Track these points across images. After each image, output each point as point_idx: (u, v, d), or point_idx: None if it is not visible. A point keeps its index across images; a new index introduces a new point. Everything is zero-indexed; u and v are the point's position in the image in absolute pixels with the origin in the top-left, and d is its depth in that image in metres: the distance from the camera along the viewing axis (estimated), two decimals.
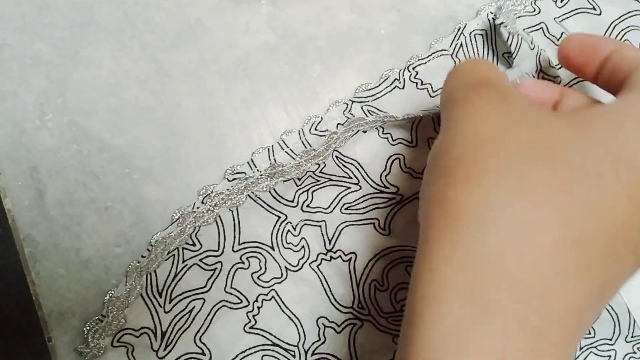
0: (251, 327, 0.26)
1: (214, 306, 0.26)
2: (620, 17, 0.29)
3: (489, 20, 0.29)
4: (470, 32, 0.29)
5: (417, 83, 0.28)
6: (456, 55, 0.29)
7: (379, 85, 0.29)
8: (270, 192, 0.27)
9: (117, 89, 0.27)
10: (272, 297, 0.27)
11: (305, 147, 0.27)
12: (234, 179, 0.27)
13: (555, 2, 0.29)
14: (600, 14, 0.29)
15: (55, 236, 0.26)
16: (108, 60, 0.27)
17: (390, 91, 0.28)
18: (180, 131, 0.27)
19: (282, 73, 0.29)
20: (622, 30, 0.29)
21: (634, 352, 0.28)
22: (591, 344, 0.28)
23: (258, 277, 0.27)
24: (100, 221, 0.26)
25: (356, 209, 0.27)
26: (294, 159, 0.27)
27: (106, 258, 0.26)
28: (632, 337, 0.28)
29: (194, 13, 0.28)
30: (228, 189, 0.26)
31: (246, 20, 0.28)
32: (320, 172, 0.27)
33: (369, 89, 0.28)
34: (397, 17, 0.30)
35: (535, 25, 0.29)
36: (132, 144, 0.27)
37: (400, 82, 0.28)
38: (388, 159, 0.28)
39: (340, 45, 0.29)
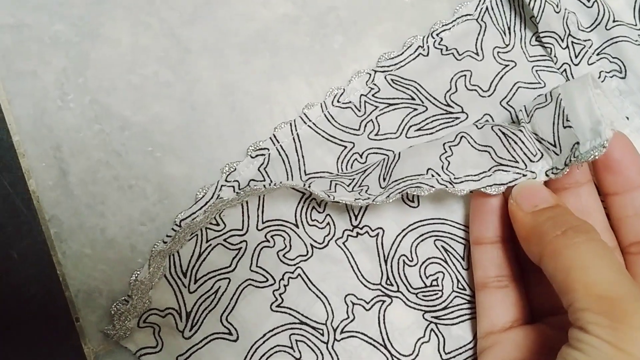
0: (278, 306, 0.26)
1: (239, 285, 0.26)
2: None
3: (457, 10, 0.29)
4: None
5: (441, 49, 0.28)
6: (482, 19, 0.28)
7: (402, 53, 0.28)
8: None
9: (137, 66, 0.27)
10: (299, 274, 0.26)
11: (328, 120, 0.27)
12: (256, 155, 0.26)
13: None
14: None
15: (79, 215, 0.26)
16: (126, 37, 0.27)
17: (414, 59, 0.28)
18: (200, 106, 0.27)
19: (303, 44, 0.28)
20: None
21: None
22: None
23: (283, 255, 0.26)
24: (124, 199, 0.26)
25: (425, 130, 0.27)
26: (317, 133, 0.26)
27: (131, 236, 0.26)
28: None
29: None
30: (248, 167, 0.26)
31: None
32: (374, 95, 0.27)
33: (392, 58, 0.28)
34: None
35: None
36: (153, 121, 0.27)
37: (424, 49, 0.28)
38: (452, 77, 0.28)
39: (362, 15, 0.29)
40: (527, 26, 0.29)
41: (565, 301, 0.20)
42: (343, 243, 0.27)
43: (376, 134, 0.27)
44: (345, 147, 0.27)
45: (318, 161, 0.27)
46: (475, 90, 0.28)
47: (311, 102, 0.28)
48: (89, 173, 0.26)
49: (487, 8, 0.28)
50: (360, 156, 0.27)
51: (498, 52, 0.28)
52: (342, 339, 0.26)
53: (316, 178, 0.26)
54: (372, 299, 0.26)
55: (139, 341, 0.25)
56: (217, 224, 0.26)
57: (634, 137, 0.27)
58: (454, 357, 0.26)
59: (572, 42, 0.28)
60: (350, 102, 0.27)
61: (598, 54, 0.28)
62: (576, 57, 0.28)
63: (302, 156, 0.27)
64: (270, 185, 0.25)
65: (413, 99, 0.27)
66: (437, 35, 0.28)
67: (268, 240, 0.26)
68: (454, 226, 0.27)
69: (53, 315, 0.26)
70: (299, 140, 0.27)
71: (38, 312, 0.26)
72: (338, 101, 0.27)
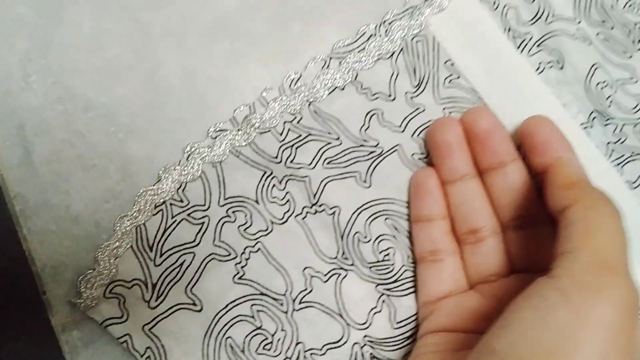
0: (240, 278, 0.28)
1: (203, 259, 0.27)
2: None
3: None
4: None
5: (357, 87, 0.29)
6: (396, 63, 0.30)
7: (356, 40, 0.29)
8: (251, 146, 0.28)
9: (99, 49, 0.28)
10: (259, 249, 0.28)
11: (285, 103, 0.28)
12: (216, 137, 0.28)
13: None
14: None
15: (44, 193, 0.27)
16: (89, 21, 0.28)
17: (367, 45, 0.29)
18: (162, 89, 0.28)
19: (262, 31, 0.29)
20: None
21: None
22: None
23: (245, 230, 0.28)
24: (88, 178, 0.27)
25: (338, 163, 0.28)
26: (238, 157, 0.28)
27: (95, 213, 0.27)
28: None
29: None
30: (209, 146, 0.28)
31: None
32: (298, 122, 0.28)
33: (347, 45, 0.29)
34: None
35: None
36: (116, 102, 0.28)
37: (376, 37, 0.29)
38: (367, 114, 0.29)
39: (319, 4, 0.30)
40: (438, 70, 0.30)
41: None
42: (302, 219, 0.28)
43: (291, 162, 0.28)
44: (265, 172, 0.28)
45: (238, 185, 0.28)
46: (387, 126, 0.29)
47: (269, 86, 0.29)
48: (53, 152, 0.27)
49: (401, 50, 0.30)
50: (280, 182, 0.28)
51: (411, 97, 0.30)
52: (300, 308, 0.28)
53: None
54: (329, 272, 0.28)
55: (104, 312, 0.27)
56: (181, 200, 0.27)
57: (571, 125, 0.29)
58: (403, 325, 0.28)
59: (513, 35, 0.29)
60: (273, 126, 0.28)
61: (538, 46, 0.30)
62: (517, 48, 0.30)
63: (223, 179, 0.28)
64: None
65: (330, 133, 0.29)
66: (389, 24, 0.30)
67: (229, 216, 0.28)
68: (402, 205, 0.29)
69: (20, 289, 0.27)
70: (220, 165, 0.28)
71: (5, 286, 0.27)
72: (295, 85, 0.29)
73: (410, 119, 0.29)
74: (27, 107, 0.27)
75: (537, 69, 0.30)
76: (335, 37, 0.30)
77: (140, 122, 0.28)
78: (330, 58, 0.29)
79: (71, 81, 0.28)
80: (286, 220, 0.28)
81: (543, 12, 0.30)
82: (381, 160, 0.29)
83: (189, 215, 0.27)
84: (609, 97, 0.30)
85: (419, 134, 0.29)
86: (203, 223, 0.28)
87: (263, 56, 0.29)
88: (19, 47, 0.27)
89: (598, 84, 0.30)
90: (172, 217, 0.27)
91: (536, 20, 0.30)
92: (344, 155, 0.29)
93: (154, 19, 0.29)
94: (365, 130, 0.29)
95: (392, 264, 0.28)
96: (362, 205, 0.29)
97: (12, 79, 0.27)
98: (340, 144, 0.29)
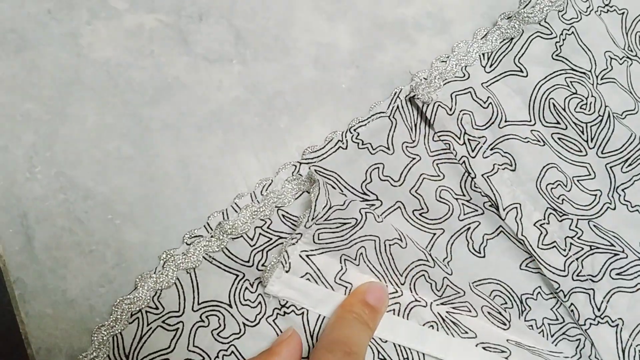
0: None
1: None
2: (546, 77, 0.34)
3: (398, 97, 0.34)
4: (406, 96, 0.33)
5: (358, 143, 0.32)
6: (393, 117, 0.33)
7: (324, 146, 0.32)
8: (223, 251, 0.30)
9: (101, 142, 0.31)
10: (232, 352, 0.30)
11: (255, 209, 0.31)
12: (191, 243, 0.30)
13: (484, 67, 0.34)
14: (527, 75, 0.34)
15: (43, 278, 0.30)
16: (92, 116, 0.31)
17: (334, 151, 0.32)
18: (159, 178, 0.31)
19: (253, 124, 0.33)
20: (548, 89, 0.34)
21: None
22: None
23: (218, 334, 0.30)
24: (84, 263, 0.30)
25: None
26: (210, 262, 0.31)
27: (90, 297, 0.30)
28: None
29: (171, 72, 0.32)
30: (184, 253, 0.30)
31: (219, 78, 0.33)
32: (268, 227, 0.31)
33: (315, 151, 0.32)
34: (357, 73, 0.34)
35: (464, 89, 0.33)
36: (115, 192, 0.31)
37: (343, 143, 0.32)
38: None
39: (305, 99, 0.34)
40: (429, 125, 0.33)
41: None
42: (273, 320, 0.30)
43: (263, 265, 0.31)
44: (237, 276, 0.31)
45: (211, 290, 0.30)
46: (388, 180, 0.32)
47: (242, 193, 0.32)
48: (53, 239, 0.30)
49: (397, 107, 0.33)
50: (251, 285, 0.30)
51: (406, 147, 0.33)
52: None
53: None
54: None
55: None
56: (156, 307, 0.30)
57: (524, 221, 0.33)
58: None
59: (468, 139, 0.33)
60: (245, 232, 0.31)
61: (491, 149, 0.33)
62: (472, 150, 0.33)
63: (197, 285, 0.30)
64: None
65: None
66: (355, 130, 0.33)
67: (203, 320, 0.30)
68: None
69: None
70: (194, 271, 0.30)
71: None
72: (266, 190, 0.32)
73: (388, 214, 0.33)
74: (31, 196, 0.30)
75: (492, 170, 0.33)
76: (320, 130, 0.33)
77: (137, 210, 0.31)
78: (300, 163, 0.32)
79: (73, 172, 0.30)
80: (258, 322, 0.30)
81: (496, 117, 0.33)
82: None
83: (163, 322, 0.29)
84: (561, 195, 0.33)
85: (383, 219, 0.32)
86: (177, 329, 0.30)
87: (253, 146, 0.33)
88: (25, 141, 0.30)
89: (549, 183, 0.33)
90: (148, 325, 0.29)
91: (489, 125, 0.33)
92: None
93: (152, 113, 0.32)
94: (367, 185, 0.32)
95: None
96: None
97: (18, 170, 0.30)
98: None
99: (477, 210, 0.33)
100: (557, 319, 0.33)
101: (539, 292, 0.33)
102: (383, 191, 0.32)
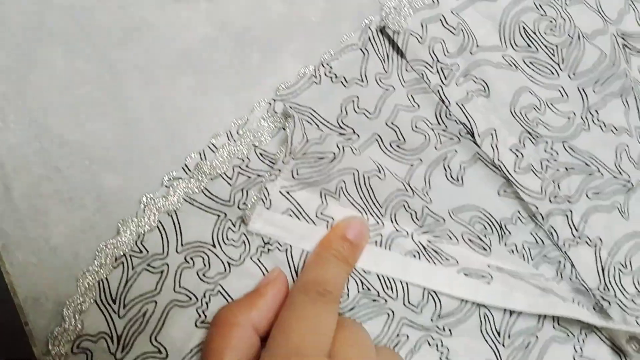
0: (202, 322, 0.30)
1: (165, 307, 0.30)
2: (515, 1, 0.34)
3: (369, 28, 0.34)
4: (377, 27, 0.34)
5: (331, 77, 0.33)
6: (365, 49, 0.33)
7: (298, 82, 0.33)
8: (203, 192, 0.31)
9: (72, 87, 0.31)
10: (218, 291, 0.30)
11: (232, 149, 0.31)
12: (170, 186, 0.31)
13: None
14: (496, 0, 0.34)
15: (24, 227, 0.30)
16: (61, 61, 0.31)
17: (308, 87, 0.33)
18: (133, 122, 0.32)
19: (224, 62, 0.33)
20: (517, 12, 0.34)
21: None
22: None
23: (203, 275, 0.30)
24: (65, 211, 0.30)
25: None
26: (191, 204, 0.31)
27: (73, 244, 0.30)
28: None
29: (138, 12, 0.32)
30: (164, 196, 0.31)
31: (186, 16, 0.33)
32: (246, 166, 0.31)
33: (289, 87, 0.33)
34: (326, 5, 0.34)
35: (434, 16, 0.34)
36: (90, 137, 0.31)
37: (316, 78, 0.33)
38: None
39: (275, 34, 0.34)
40: (402, 55, 0.34)
41: None
42: (258, 259, 0.31)
43: (244, 203, 0.31)
44: (219, 216, 0.31)
45: (194, 231, 0.31)
46: (363, 113, 0.33)
47: (218, 132, 0.32)
48: (32, 187, 0.30)
49: (369, 38, 0.34)
50: (234, 225, 0.31)
51: (380, 78, 0.33)
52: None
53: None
54: None
55: None
56: (140, 251, 0.30)
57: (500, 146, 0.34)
58: None
59: (441, 67, 0.34)
60: (223, 172, 0.31)
61: (465, 76, 0.34)
62: (445, 79, 0.34)
63: (180, 227, 0.31)
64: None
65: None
66: (327, 64, 0.33)
67: (188, 262, 0.30)
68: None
69: (3, 320, 0.30)
70: (175, 213, 0.31)
71: None
72: (242, 130, 0.32)
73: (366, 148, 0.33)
74: (6, 145, 0.30)
75: (466, 97, 0.34)
76: (292, 65, 0.34)
77: (113, 155, 0.31)
78: (275, 100, 0.33)
79: (47, 119, 0.31)
80: (243, 261, 0.31)
81: (468, 44, 0.34)
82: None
83: (148, 265, 0.30)
84: (535, 118, 0.34)
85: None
86: (163, 271, 0.30)
87: (226, 86, 0.33)
88: None
89: (523, 107, 0.34)
90: (133, 269, 0.30)
91: (462, 52, 0.34)
92: None
93: (122, 56, 0.32)
94: (342, 119, 0.33)
95: (347, 293, 0.31)
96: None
97: None
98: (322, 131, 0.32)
99: (453, 139, 0.34)
100: (537, 242, 0.34)
101: (518, 217, 0.34)
102: (359, 124, 0.33)
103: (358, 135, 0.33)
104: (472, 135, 0.33)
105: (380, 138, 0.33)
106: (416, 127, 0.33)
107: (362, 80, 0.33)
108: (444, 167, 0.34)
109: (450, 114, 0.34)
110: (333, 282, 0.30)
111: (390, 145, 0.33)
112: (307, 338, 0.27)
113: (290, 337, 0.27)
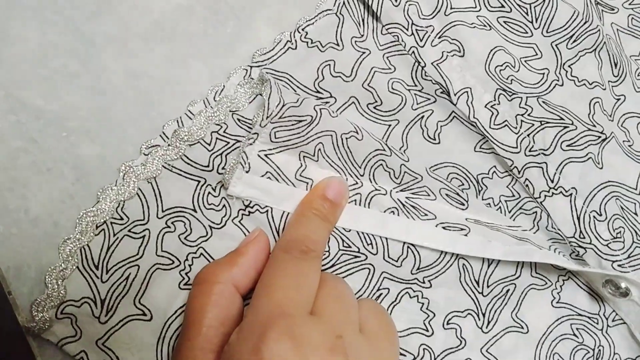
0: (185, 284, 0.31)
1: (148, 270, 0.30)
2: None
3: None
4: None
5: (307, 42, 0.33)
6: (340, 13, 0.34)
7: (274, 48, 0.33)
8: (182, 158, 0.31)
9: (46, 60, 0.32)
10: (201, 254, 0.31)
11: (209, 114, 0.32)
12: (149, 153, 0.31)
13: None
14: None
15: (3, 199, 0.30)
16: (35, 35, 0.32)
17: (284, 53, 0.33)
18: (109, 92, 0.32)
19: (198, 31, 0.34)
20: None
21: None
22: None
23: (185, 238, 0.31)
24: (43, 181, 0.31)
25: None
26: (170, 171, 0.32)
27: (53, 214, 0.31)
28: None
29: None
30: (143, 163, 0.31)
31: None
32: (224, 132, 0.32)
33: (265, 53, 0.33)
34: None
35: None
36: (66, 108, 0.31)
37: (292, 44, 0.33)
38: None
39: (249, 1, 0.34)
40: (377, 18, 0.34)
41: None
42: (239, 221, 0.32)
43: (223, 168, 0.32)
44: (199, 182, 0.32)
45: (174, 197, 0.31)
46: (340, 76, 0.34)
47: (195, 100, 0.33)
48: (9, 160, 0.31)
49: (344, 2, 0.34)
50: (214, 189, 0.32)
51: (355, 42, 0.34)
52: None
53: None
54: None
55: (58, 332, 0.30)
56: (121, 218, 0.31)
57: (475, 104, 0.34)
58: None
59: (416, 29, 0.34)
60: (201, 137, 0.32)
61: (440, 37, 0.35)
62: (421, 40, 0.34)
63: (159, 193, 0.31)
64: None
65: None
66: (303, 30, 0.33)
67: (169, 227, 0.31)
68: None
69: None
70: (155, 180, 0.31)
71: None
72: (219, 96, 0.32)
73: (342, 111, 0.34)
74: None
75: (441, 58, 0.34)
76: (267, 32, 0.34)
77: (90, 125, 0.32)
78: (251, 67, 0.33)
79: (22, 92, 0.31)
80: (224, 224, 0.32)
81: (442, 6, 0.35)
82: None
83: (129, 230, 0.31)
84: (509, 76, 0.35)
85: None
86: (144, 236, 0.31)
87: (201, 54, 0.33)
88: None
89: (497, 65, 0.35)
90: (114, 235, 0.30)
91: (436, 14, 0.35)
92: None
93: (95, 27, 0.32)
94: (320, 82, 0.33)
95: (328, 250, 0.32)
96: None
97: None
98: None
99: (429, 99, 0.34)
100: (513, 195, 0.35)
101: (494, 171, 0.35)
102: (336, 87, 0.34)
103: (335, 99, 0.34)
104: (448, 94, 0.34)
105: (358, 100, 0.34)
106: (392, 88, 0.34)
107: (338, 44, 0.34)
108: (421, 126, 0.34)
109: (426, 75, 0.34)
110: (315, 239, 0.30)
111: (367, 107, 0.34)
112: (290, 296, 0.27)
113: (274, 295, 0.28)
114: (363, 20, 0.34)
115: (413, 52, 0.34)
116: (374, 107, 0.34)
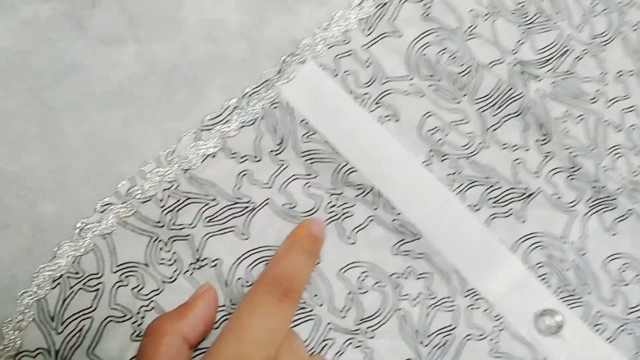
0: (137, 336, 0.32)
1: (101, 322, 0.32)
2: (418, 37, 0.39)
3: (284, 60, 0.38)
4: (292, 61, 0.38)
5: (226, 152, 0.36)
6: (259, 127, 0.37)
7: (222, 113, 0.37)
8: (135, 215, 0.34)
9: (8, 125, 0.34)
10: (153, 307, 0.33)
11: (162, 173, 0.35)
12: (103, 211, 0.34)
13: (363, 31, 0.39)
14: (401, 36, 0.39)
15: None
16: None
17: (231, 117, 0.37)
18: (67, 154, 0.35)
19: (152, 98, 0.37)
20: (421, 47, 0.39)
21: None
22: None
23: (138, 292, 0.33)
24: (2, 238, 0.33)
25: (217, 221, 0.35)
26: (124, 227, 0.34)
27: (12, 268, 0.33)
28: None
29: (70, 56, 0.36)
30: (98, 220, 0.34)
31: (116, 58, 0.36)
32: (176, 189, 0.35)
33: (214, 118, 0.36)
34: (247, 45, 0.38)
35: (347, 52, 0.38)
36: (26, 169, 0.34)
37: (240, 109, 0.37)
38: (238, 175, 0.36)
39: (201, 72, 0.38)
40: (296, 129, 0.37)
41: None
42: (190, 275, 0.34)
43: (174, 224, 0.34)
44: (151, 237, 0.34)
45: (128, 252, 0.34)
46: (256, 184, 0.36)
47: (147, 160, 0.35)
48: None
49: (262, 116, 0.37)
50: (166, 244, 0.34)
51: (274, 153, 0.37)
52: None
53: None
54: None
55: None
56: (77, 272, 0.33)
57: (413, 163, 0.37)
58: None
59: (354, 96, 0.38)
60: (154, 195, 0.34)
61: (376, 104, 0.38)
62: (359, 106, 0.38)
63: (114, 248, 0.34)
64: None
65: (206, 195, 0.35)
66: (250, 96, 0.37)
67: (122, 281, 0.33)
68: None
69: None
70: (110, 236, 0.34)
71: None
72: (170, 156, 0.35)
73: (277, 175, 0.37)
74: None
75: (378, 122, 0.38)
76: (218, 98, 0.37)
77: (49, 185, 0.34)
78: (202, 130, 0.36)
79: None
80: (176, 279, 0.34)
81: (378, 75, 0.38)
82: (255, 214, 0.36)
83: (84, 284, 0.33)
84: (440, 139, 0.38)
85: (286, 187, 0.36)
86: (98, 289, 0.33)
87: (155, 119, 0.36)
88: None
89: (429, 129, 0.38)
90: (70, 289, 0.33)
91: (372, 82, 0.38)
92: (222, 213, 0.35)
93: (56, 95, 0.35)
94: (238, 189, 0.36)
95: None
96: (242, 255, 0.35)
97: None
98: (217, 203, 0.35)
99: (347, 203, 0.37)
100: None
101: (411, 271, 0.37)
102: (255, 193, 0.36)
103: (255, 203, 0.36)
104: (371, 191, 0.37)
105: (273, 201, 0.36)
106: (309, 192, 0.37)
107: (256, 157, 0.36)
108: (337, 227, 0.37)
109: (348, 182, 0.37)
110: (300, 278, 0.33)
111: (283, 207, 0.36)
112: (258, 346, 0.29)
113: (245, 337, 0.30)
114: (283, 137, 0.37)
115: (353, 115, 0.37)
116: (290, 207, 0.36)
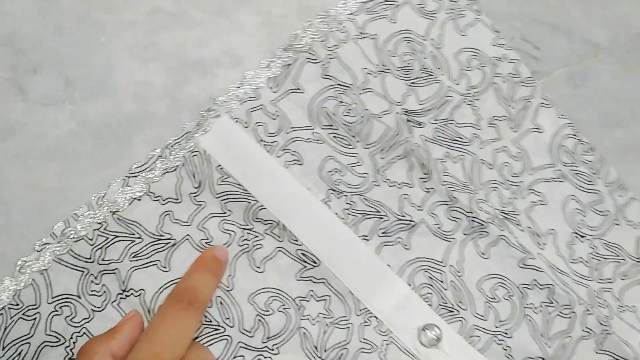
0: (70, 358, 0.37)
1: (38, 347, 0.37)
2: (318, 92, 0.45)
3: (202, 115, 0.44)
4: (209, 115, 0.44)
5: (151, 196, 0.41)
6: (180, 173, 0.42)
7: (147, 162, 0.42)
8: (69, 253, 0.39)
9: None
10: (84, 333, 0.38)
11: (93, 216, 0.40)
12: (41, 250, 0.40)
13: (271, 88, 0.45)
14: (304, 92, 0.45)
15: None
16: None
17: (155, 165, 0.43)
18: (8, 201, 0.40)
19: (86, 151, 0.42)
20: (321, 100, 0.45)
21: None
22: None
23: (70, 320, 0.38)
24: None
25: (141, 256, 0.40)
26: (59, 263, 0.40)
27: None
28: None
29: (12, 116, 0.42)
30: (36, 258, 0.39)
31: (54, 117, 0.42)
32: (105, 229, 0.40)
33: (140, 166, 0.42)
34: (170, 103, 0.45)
35: (257, 106, 0.44)
36: None
37: (163, 158, 0.43)
38: (160, 215, 0.42)
39: (129, 127, 0.43)
40: (212, 173, 0.43)
41: None
42: (117, 304, 0.38)
43: (103, 259, 0.39)
44: (83, 272, 0.39)
45: (62, 285, 0.38)
46: (177, 223, 0.41)
47: (81, 204, 0.41)
48: None
49: (183, 163, 0.42)
50: (95, 278, 0.39)
51: (194, 196, 0.42)
52: None
53: None
54: None
55: None
56: (17, 304, 0.38)
57: (313, 200, 0.44)
58: None
59: (263, 144, 0.44)
60: (85, 235, 0.40)
61: (283, 150, 0.44)
62: (267, 152, 0.43)
63: (50, 283, 0.38)
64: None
65: (132, 234, 0.40)
66: (172, 147, 0.43)
67: (57, 310, 0.38)
68: None
69: None
70: (46, 272, 0.38)
71: None
72: (102, 200, 0.41)
73: (196, 214, 0.42)
74: None
75: (284, 166, 0.44)
76: (145, 149, 0.43)
77: None
78: (129, 177, 0.42)
79: None
80: (104, 308, 0.39)
81: (284, 126, 0.44)
82: (176, 249, 0.41)
83: (23, 314, 0.38)
84: (338, 179, 0.44)
85: (204, 224, 0.42)
86: (35, 318, 0.37)
87: (89, 169, 0.42)
88: None
89: (329, 171, 0.44)
90: (11, 318, 0.38)
91: (280, 132, 0.44)
92: (146, 249, 0.41)
93: (0, 149, 0.41)
94: (161, 227, 0.41)
95: None
96: (163, 285, 0.39)
97: None
98: (142, 240, 0.41)
99: (257, 236, 0.43)
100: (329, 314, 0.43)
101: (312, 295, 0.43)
102: (174, 229, 0.42)
103: (175, 240, 0.41)
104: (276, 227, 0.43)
105: (192, 238, 0.42)
106: (224, 228, 0.42)
107: (177, 199, 0.42)
108: (248, 258, 0.42)
109: (257, 217, 0.43)
110: (204, 292, 0.38)
111: (200, 242, 0.42)
112: (167, 347, 0.35)
113: (156, 340, 0.35)
114: (201, 180, 0.43)
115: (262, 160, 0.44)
116: (206, 243, 0.42)
